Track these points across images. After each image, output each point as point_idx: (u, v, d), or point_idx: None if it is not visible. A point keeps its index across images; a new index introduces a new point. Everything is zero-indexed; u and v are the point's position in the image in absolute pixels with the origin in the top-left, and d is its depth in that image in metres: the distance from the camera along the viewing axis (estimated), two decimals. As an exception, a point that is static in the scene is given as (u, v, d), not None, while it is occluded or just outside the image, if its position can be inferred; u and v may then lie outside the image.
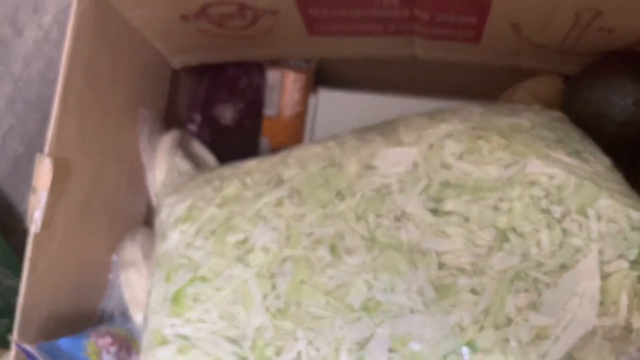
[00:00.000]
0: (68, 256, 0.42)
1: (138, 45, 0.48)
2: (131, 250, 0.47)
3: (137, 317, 0.45)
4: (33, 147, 0.67)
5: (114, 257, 0.48)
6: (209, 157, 0.54)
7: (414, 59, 0.50)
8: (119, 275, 0.46)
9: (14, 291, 0.56)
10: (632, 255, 0.27)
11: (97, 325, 0.45)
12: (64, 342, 0.39)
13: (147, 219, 0.53)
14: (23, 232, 0.64)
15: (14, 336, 0.37)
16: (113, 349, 0.42)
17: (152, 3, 0.43)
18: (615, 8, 0.37)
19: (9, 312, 0.52)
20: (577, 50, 0.43)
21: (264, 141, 0.59)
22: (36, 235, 0.38)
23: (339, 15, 0.44)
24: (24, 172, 0.67)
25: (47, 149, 0.38)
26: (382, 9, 0.42)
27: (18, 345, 0.36)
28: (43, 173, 0.38)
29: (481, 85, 0.53)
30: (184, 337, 0.33)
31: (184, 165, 0.47)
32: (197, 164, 0.51)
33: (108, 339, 0.43)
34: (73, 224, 0.42)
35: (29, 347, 0.36)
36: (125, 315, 0.46)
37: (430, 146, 0.34)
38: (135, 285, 0.45)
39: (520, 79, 0.50)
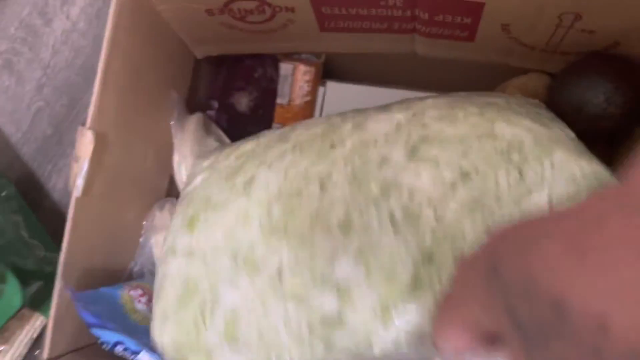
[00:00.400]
0: (103, 220, 0.47)
1: (166, 35, 0.53)
2: (160, 217, 0.53)
3: None
4: (60, 129, 0.72)
5: (144, 222, 0.53)
6: (225, 139, 0.60)
7: (414, 55, 0.55)
8: (150, 238, 0.51)
9: (46, 261, 0.61)
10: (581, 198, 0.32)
11: (128, 280, 0.50)
12: (103, 290, 0.44)
13: (169, 192, 0.58)
14: (50, 208, 0.70)
15: (57, 285, 0.42)
16: (144, 299, 0.48)
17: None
18: (594, 12, 0.42)
19: (42, 277, 0.57)
20: (561, 50, 0.48)
21: (276, 127, 0.64)
22: (77, 200, 0.43)
23: (349, 13, 0.49)
24: (50, 152, 0.72)
25: (88, 122, 0.43)
26: (387, 8, 0.47)
27: (68, 288, 0.41)
28: (85, 144, 0.43)
29: (476, 81, 0.58)
30: (191, 251, 0.39)
31: (208, 141, 0.53)
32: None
33: (139, 291, 0.48)
34: (107, 192, 0.47)
35: (75, 291, 0.41)
36: (153, 274, 0.51)
37: (414, 114, 0.40)
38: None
39: (511, 76, 0.55)
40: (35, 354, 0.62)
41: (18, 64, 0.73)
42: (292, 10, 0.49)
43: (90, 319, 0.42)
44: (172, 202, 0.54)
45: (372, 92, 0.61)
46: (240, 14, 0.51)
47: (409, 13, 0.47)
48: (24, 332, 0.59)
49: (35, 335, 0.61)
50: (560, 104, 0.48)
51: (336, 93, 0.62)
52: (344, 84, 0.62)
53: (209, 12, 0.50)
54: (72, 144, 0.71)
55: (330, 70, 0.64)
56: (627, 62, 0.46)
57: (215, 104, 0.64)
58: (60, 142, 0.72)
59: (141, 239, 0.53)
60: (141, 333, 0.43)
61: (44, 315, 0.60)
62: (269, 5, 0.49)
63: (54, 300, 0.42)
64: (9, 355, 0.59)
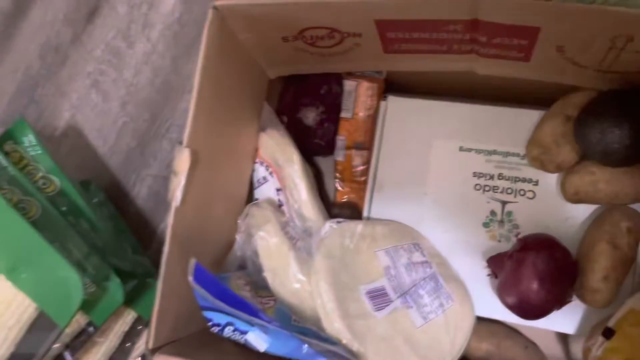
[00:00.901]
0: (196, 226, 0.53)
1: (246, 60, 0.59)
2: (262, 213, 0.61)
3: (268, 263, 0.59)
4: (142, 142, 0.80)
5: (239, 221, 0.60)
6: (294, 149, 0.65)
7: (471, 73, 0.59)
8: (252, 234, 0.59)
9: (137, 263, 0.68)
10: None
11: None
12: (217, 277, 0.50)
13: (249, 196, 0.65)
14: (135, 213, 0.78)
15: (160, 284, 0.49)
16: (247, 288, 0.55)
17: (261, 28, 0.54)
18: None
19: (135, 276, 0.64)
20: (614, 69, 0.51)
21: (340, 139, 0.69)
22: (176, 210, 0.49)
23: (412, 37, 0.53)
24: (134, 163, 0.79)
25: (185, 141, 0.50)
26: (448, 32, 0.52)
27: (196, 265, 0.47)
28: (183, 160, 0.49)
29: (531, 95, 0.61)
30: None
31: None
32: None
33: (242, 281, 0.55)
34: (199, 202, 0.54)
35: (202, 266, 0.48)
36: (256, 264, 0.58)
37: None
38: (272, 237, 0.59)
39: (564, 92, 0.58)
40: (127, 345, 0.70)
41: (104, 83, 0.81)
42: (360, 35, 0.54)
43: (204, 302, 0.48)
44: (266, 202, 0.63)
45: (432, 105, 0.65)
46: (312, 39, 0.56)
47: (468, 37, 0.52)
48: (118, 325, 0.67)
49: (126, 329, 0.68)
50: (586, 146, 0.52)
51: (397, 106, 0.66)
52: (404, 98, 0.66)
53: (285, 39, 0.56)
54: (153, 155, 0.79)
55: (392, 83, 0.69)
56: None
57: (285, 119, 0.70)
58: (142, 154, 0.79)
59: (238, 236, 0.61)
60: (249, 309, 0.49)
61: (135, 311, 0.67)
62: (339, 31, 0.54)
63: (157, 296, 0.49)
64: (104, 346, 0.67)
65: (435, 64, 0.59)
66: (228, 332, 0.51)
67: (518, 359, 0.62)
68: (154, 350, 0.48)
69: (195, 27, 0.81)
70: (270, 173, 0.65)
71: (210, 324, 0.50)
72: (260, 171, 0.65)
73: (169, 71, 0.80)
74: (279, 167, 0.64)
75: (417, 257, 0.62)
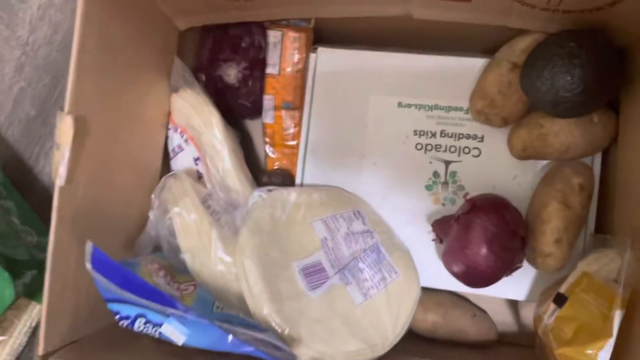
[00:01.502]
0: (93, 205, 0.45)
1: (146, 8, 0.50)
2: (179, 186, 0.53)
3: (186, 243, 0.51)
4: (44, 109, 0.69)
5: (152, 196, 0.53)
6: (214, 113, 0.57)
7: (409, 17, 0.52)
8: (168, 210, 0.51)
9: (38, 247, 0.60)
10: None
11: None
12: (121, 263, 0.43)
13: (161, 175, 0.57)
14: (40, 191, 0.68)
15: (47, 278, 0.41)
16: (161, 273, 0.47)
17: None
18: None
19: (35, 266, 0.56)
20: (564, 8, 0.45)
21: (268, 98, 0.61)
22: (61, 189, 0.41)
23: (337, -24, 0.46)
24: (36, 134, 0.69)
25: (66, 107, 0.41)
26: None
27: (94, 249, 0.39)
28: (65, 130, 0.41)
29: (474, 42, 0.55)
30: None
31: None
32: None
33: (155, 265, 0.48)
34: (94, 177, 0.45)
35: (99, 251, 0.40)
36: (172, 244, 0.51)
37: None
38: (190, 213, 0.51)
39: (510, 37, 0.52)
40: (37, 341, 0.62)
41: (-5, 43, 0.70)
42: (276, -26, 0.46)
43: (108, 293, 0.41)
44: (184, 174, 0.55)
45: (366, 56, 0.58)
46: (221, -19, 0.48)
47: (401, -27, 0.44)
48: (22, 321, 0.59)
49: (33, 324, 0.60)
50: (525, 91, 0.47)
51: (329, 59, 0.59)
52: (336, 49, 0.59)
53: (188, -20, 0.47)
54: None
55: (322, 34, 0.61)
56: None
57: (203, 77, 0.61)
58: (45, 123, 0.69)
59: (151, 213, 0.53)
60: (162, 298, 0.42)
61: (41, 303, 0.59)
62: (252, -30, 0.46)
63: (45, 292, 0.41)
64: (8, 345, 0.59)
65: (366, 9, 0.52)
66: (139, 325, 0.44)
67: (466, 328, 0.58)
68: (45, 357, 0.41)
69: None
70: (186, 140, 0.57)
71: (117, 317, 0.43)
72: (175, 138, 0.57)
73: (70, 27, 0.70)
74: (196, 133, 0.56)
75: (357, 226, 0.56)
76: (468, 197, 0.55)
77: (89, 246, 0.40)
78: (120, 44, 0.47)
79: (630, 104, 0.49)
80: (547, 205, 0.49)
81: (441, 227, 0.53)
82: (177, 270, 0.52)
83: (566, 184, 0.49)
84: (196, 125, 0.55)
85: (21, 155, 0.70)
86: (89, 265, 0.41)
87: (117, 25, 0.46)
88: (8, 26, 0.71)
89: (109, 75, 0.46)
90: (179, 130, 0.57)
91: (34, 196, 0.68)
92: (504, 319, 0.62)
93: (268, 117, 0.62)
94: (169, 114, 0.57)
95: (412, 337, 0.58)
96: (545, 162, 0.54)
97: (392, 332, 0.51)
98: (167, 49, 0.56)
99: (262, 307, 0.49)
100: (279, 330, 0.48)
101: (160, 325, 0.44)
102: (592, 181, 0.51)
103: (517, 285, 0.54)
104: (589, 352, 0.42)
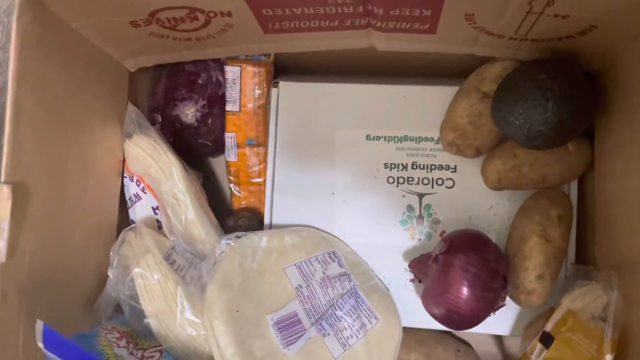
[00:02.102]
0: (42, 275, 0.41)
1: (89, 53, 0.46)
2: (139, 242, 0.49)
3: (150, 306, 0.47)
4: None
5: (111, 254, 0.49)
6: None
7: (372, 49, 0.50)
8: (130, 269, 0.47)
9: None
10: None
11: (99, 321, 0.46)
12: (79, 336, 0.40)
13: (119, 226, 0.53)
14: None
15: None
16: (122, 342, 0.44)
17: (99, 12, 0.42)
18: (566, -5, 0.37)
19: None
20: (533, 37, 0.43)
21: (229, 136, 0.58)
22: (2, 265, 0.37)
23: (293, 13, 0.43)
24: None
25: (2, 176, 0.37)
26: (336, 5, 0.42)
27: (45, 328, 0.36)
28: (2, 201, 0.37)
29: (440, 71, 0.53)
30: None
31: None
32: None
33: (116, 334, 0.44)
34: (43, 243, 0.41)
35: (51, 330, 0.37)
36: (135, 309, 0.47)
37: None
38: (153, 272, 0.47)
39: (479, 64, 0.50)
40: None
41: None
42: (229, 14, 0.43)
43: None
44: (144, 228, 0.51)
45: (331, 89, 0.55)
46: (170, 23, 0.44)
47: (361, 9, 0.42)
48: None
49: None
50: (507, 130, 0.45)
51: (291, 93, 0.56)
52: (298, 82, 0.56)
53: (134, 24, 0.44)
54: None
55: (283, 67, 0.59)
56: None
57: (159, 118, 0.58)
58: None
59: (110, 272, 0.49)
60: None
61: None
62: (202, 11, 0.43)
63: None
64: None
65: (326, 43, 0.49)
66: None
67: (451, 366, 0.56)
68: None
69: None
70: (143, 189, 0.53)
71: None
72: (131, 187, 0.53)
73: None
74: (154, 182, 0.52)
75: (333, 268, 0.53)
76: (445, 234, 0.53)
77: (39, 325, 0.37)
78: (63, 96, 0.43)
79: (605, 132, 0.47)
80: (526, 239, 0.47)
81: (419, 267, 0.51)
82: (141, 335, 0.48)
83: (545, 216, 0.47)
84: (154, 174, 0.51)
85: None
86: (40, 345, 0.37)
87: (57, 76, 0.42)
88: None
89: (51, 131, 0.42)
90: (135, 178, 0.53)
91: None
92: (488, 350, 0.60)
93: (231, 155, 0.59)
94: (123, 161, 0.53)
95: (396, 379, 0.56)
96: (521, 191, 0.52)
97: (374, 383, 0.48)
98: (117, 92, 0.52)
99: (235, 369, 0.45)
100: (254, 394, 0.45)
101: None
102: (571, 211, 0.49)
103: (500, 320, 0.52)
104: (581, 398, 0.40)
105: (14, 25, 0.37)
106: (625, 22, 0.39)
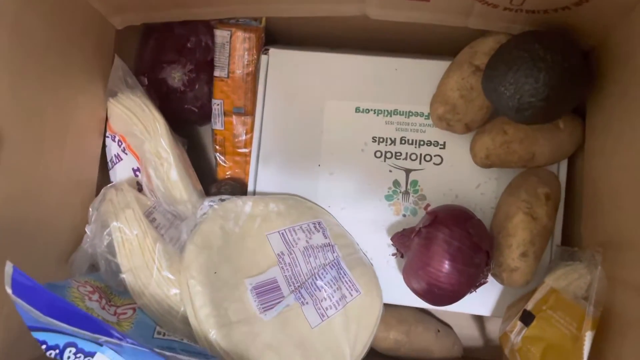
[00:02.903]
0: (14, 225, 0.40)
1: (75, 6, 0.45)
2: (120, 198, 0.49)
3: (126, 261, 0.46)
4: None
5: (90, 209, 0.48)
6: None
7: (364, 19, 0.49)
8: (108, 224, 0.47)
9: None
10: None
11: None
12: (48, 285, 0.38)
13: (99, 187, 0.52)
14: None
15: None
16: (95, 296, 0.43)
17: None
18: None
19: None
20: (528, 7, 0.42)
21: (216, 103, 0.57)
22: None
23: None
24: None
25: (-25, 117, 0.36)
26: (330, -37, 0.41)
27: (14, 271, 0.35)
28: (-27, 143, 0.35)
29: (433, 44, 0.52)
30: None
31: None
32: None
33: (88, 287, 0.43)
34: (17, 193, 0.40)
35: (22, 274, 0.35)
36: (110, 262, 0.46)
37: None
38: (132, 227, 0.47)
39: (471, 39, 0.49)
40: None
41: None
42: (220, -31, 0.42)
43: (31, 321, 0.36)
44: (127, 184, 0.50)
45: (321, 59, 0.54)
46: (158, -25, 0.43)
47: (354, -31, 0.41)
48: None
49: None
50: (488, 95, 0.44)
51: (281, 61, 0.55)
52: (289, 50, 0.55)
53: (121, -26, 0.43)
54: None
55: (274, 36, 0.58)
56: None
57: (145, 81, 0.56)
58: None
59: (88, 228, 0.48)
60: (95, 325, 0.38)
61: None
62: (192, -37, 0.42)
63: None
64: None
65: (320, 8, 0.48)
66: (69, 355, 0.39)
67: (430, 346, 0.55)
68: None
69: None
70: (124, 149, 0.52)
71: (44, 347, 0.38)
72: (113, 147, 0.52)
73: None
74: (137, 141, 0.51)
75: (317, 238, 0.52)
76: (429, 208, 0.52)
77: (8, 267, 0.35)
78: (42, 45, 0.42)
79: (596, 109, 0.46)
80: (512, 216, 0.46)
81: (401, 241, 0.50)
82: (115, 292, 0.47)
83: (532, 194, 0.47)
84: (138, 133, 0.50)
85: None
86: (9, 290, 0.36)
87: (37, 24, 0.41)
88: None
89: (29, 80, 0.41)
90: (117, 138, 0.52)
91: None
92: (469, 333, 0.59)
93: (217, 123, 0.58)
94: (105, 120, 0.52)
95: (374, 356, 0.55)
96: (509, 169, 0.51)
97: (350, 355, 0.48)
98: (102, 49, 0.51)
99: (209, 332, 0.44)
100: (227, 358, 0.44)
101: (92, 355, 0.39)
102: (559, 190, 0.49)
103: (482, 300, 0.51)
104: (558, 375, 0.39)
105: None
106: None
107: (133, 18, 0.51)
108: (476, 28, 0.47)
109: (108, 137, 0.52)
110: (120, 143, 0.51)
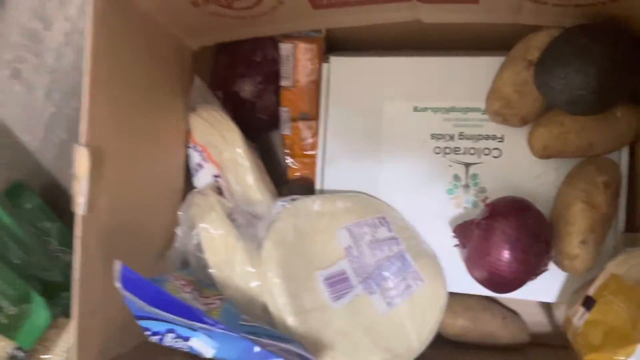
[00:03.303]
0: (117, 229, 0.47)
1: (155, 32, 0.51)
2: (205, 202, 0.54)
3: (213, 258, 0.52)
4: (75, 132, 0.72)
5: (180, 212, 0.55)
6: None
7: (418, 21, 0.51)
8: (196, 226, 0.53)
9: (73, 266, 0.62)
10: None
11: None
12: (150, 280, 0.45)
13: (185, 192, 0.58)
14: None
15: (74, 306, 0.43)
16: (188, 289, 0.49)
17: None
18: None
19: (70, 287, 0.58)
20: (577, 2, 0.44)
21: (284, 110, 0.62)
22: (82, 217, 0.43)
23: (340, -11, 0.46)
24: (69, 157, 0.72)
25: (82, 139, 0.43)
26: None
27: (123, 268, 0.41)
28: (81, 162, 0.42)
29: (486, 42, 0.54)
30: None
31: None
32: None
33: (182, 281, 0.49)
34: (117, 202, 0.47)
35: (128, 270, 0.42)
36: (200, 260, 0.53)
37: None
38: (217, 228, 0.53)
39: (524, 33, 0.50)
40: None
41: (25, 71, 0.73)
42: (280, -9, 0.47)
43: (138, 310, 0.43)
44: (210, 189, 0.56)
45: (378, 62, 0.57)
46: (226, 1, 0.48)
47: (403, -19, 0.44)
48: (63, 340, 0.61)
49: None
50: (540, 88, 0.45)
51: (341, 67, 0.59)
52: (348, 57, 0.59)
53: (194, 3, 0.48)
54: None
55: (333, 42, 0.61)
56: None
57: (220, 95, 0.62)
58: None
59: (178, 229, 0.55)
60: (190, 313, 0.44)
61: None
62: (255, -11, 0.46)
63: (74, 321, 0.43)
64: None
65: (374, 16, 0.51)
66: (169, 340, 0.45)
67: (497, 332, 0.57)
68: (78, 379, 0.42)
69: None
70: (205, 158, 0.58)
71: (148, 333, 0.45)
72: (195, 156, 0.58)
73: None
74: (216, 150, 0.57)
75: (382, 232, 0.56)
76: (488, 201, 0.54)
77: (117, 265, 0.42)
78: (132, 70, 0.48)
79: (654, 96, 0.46)
80: (570, 205, 0.48)
81: (463, 232, 0.52)
82: (204, 285, 0.53)
83: (590, 183, 0.48)
84: (217, 143, 0.56)
85: (56, 179, 0.73)
86: (118, 284, 0.42)
87: (128, 55, 0.47)
88: (37, 55, 0.73)
89: (123, 102, 0.47)
90: (198, 148, 0.58)
91: (69, 216, 0.70)
92: (536, 320, 0.60)
93: (286, 128, 0.63)
94: (187, 132, 0.58)
95: (442, 342, 0.57)
96: (568, 159, 0.52)
97: (417, 341, 0.51)
98: (182, 68, 0.57)
99: (286, 319, 0.49)
100: (303, 342, 0.48)
101: (188, 339, 0.45)
102: (619, 178, 0.49)
103: (547, 287, 0.53)
104: (618, 358, 0.41)
105: (90, 8, 0.42)
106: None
107: (206, 40, 0.56)
108: (527, 24, 0.49)
109: (190, 147, 0.59)
110: (201, 153, 0.57)
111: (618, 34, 0.43)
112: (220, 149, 0.56)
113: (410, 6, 0.49)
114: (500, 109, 0.51)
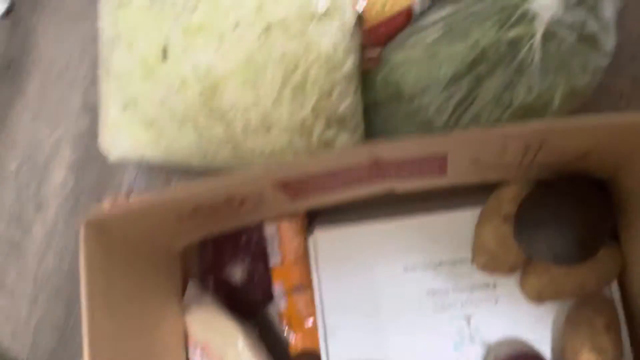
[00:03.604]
0: None
1: (145, 255, 0.52)
2: None
3: None
4: (64, 338, 0.70)
5: None
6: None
7: (391, 192, 0.54)
8: None
9: None
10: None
11: None
12: None
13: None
14: None
15: None
16: None
17: (146, 226, 0.48)
18: (555, 141, 0.41)
19: None
20: (536, 163, 0.47)
21: (277, 285, 0.62)
22: None
23: (316, 186, 0.48)
24: (60, 363, 0.70)
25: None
26: (352, 172, 0.46)
27: None
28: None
29: (460, 197, 0.57)
30: None
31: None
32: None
33: None
34: None
35: None
36: None
37: None
38: None
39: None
40: None
41: (7, 279, 0.72)
42: (260, 195, 0.49)
43: None
44: None
45: (363, 230, 0.59)
46: (210, 210, 0.50)
47: (375, 173, 0.47)
48: None
49: None
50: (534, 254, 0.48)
51: (326, 239, 0.60)
52: (331, 229, 0.60)
53: (179, 219, 0.49)
54: (79, 351, 0.70)
55: (315, 213, 0.63)
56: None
57: (210, 283, 0.62)
58: (66, 352, 0.70)
59: None
60: None
61: None
62: (235, 197, 0.48)
63: None
64: None
65: (349, 194, 0.53)
66: None
67: None
68: None
69: (94, 194, 0.74)
70: (207, 356, 0.57)
71: None
72: (196, 357, 0.57)
73: (74, 251, 0.72)
74: (216, 347, 0.56)
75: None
76: (494, 352, 0.54)
77: None
78: (126, 280, 0.49)
79: (628, 234, 0.49)
80: (578, 353, 0.48)
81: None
82: None
83: (590, 326, 0.48)
84: (218, 343, 0.55)
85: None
86: None
87: (119, 272, 0.48)
88: (18, 259, 0.73)
89: (121, 312, 0.47)
90: (198, 348, 0.57)
91: None
92: None
93: (281, 303, 0.62)
94: (185, 335, 0.58)
95: None
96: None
97: None
98: (172, 273, 0.58)
99: None
100: None
101: None
102: (616, 315, 0.50)
103: None
104: None
105: (81, 247, 0.43)
106: (614, 146, 0.42)
107: (189, 238, 0.58)
108: (496, 181, 0.52)
109: (190, 348, 0.58)
110: (201, 352, 0.56)
111: (585, 187, 0.46)
112: (221, 348, 0.56)
113: (384, 181, 0.52)
114: (488, 263, 0.52)
